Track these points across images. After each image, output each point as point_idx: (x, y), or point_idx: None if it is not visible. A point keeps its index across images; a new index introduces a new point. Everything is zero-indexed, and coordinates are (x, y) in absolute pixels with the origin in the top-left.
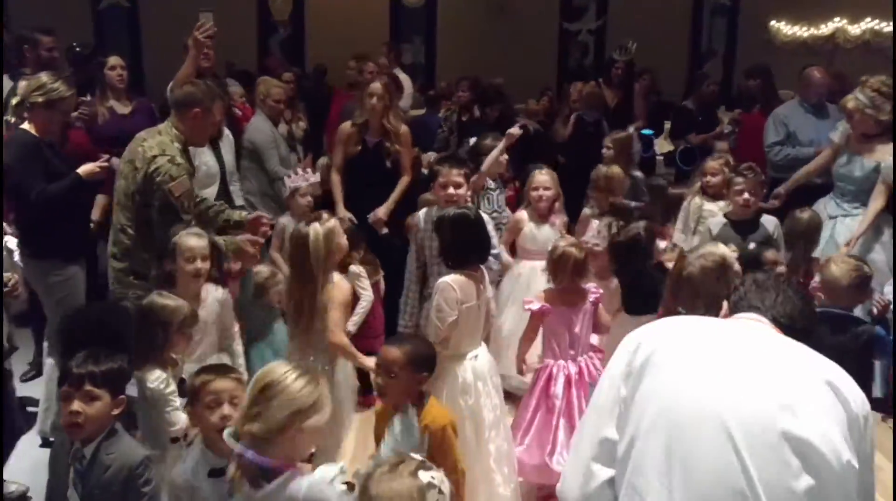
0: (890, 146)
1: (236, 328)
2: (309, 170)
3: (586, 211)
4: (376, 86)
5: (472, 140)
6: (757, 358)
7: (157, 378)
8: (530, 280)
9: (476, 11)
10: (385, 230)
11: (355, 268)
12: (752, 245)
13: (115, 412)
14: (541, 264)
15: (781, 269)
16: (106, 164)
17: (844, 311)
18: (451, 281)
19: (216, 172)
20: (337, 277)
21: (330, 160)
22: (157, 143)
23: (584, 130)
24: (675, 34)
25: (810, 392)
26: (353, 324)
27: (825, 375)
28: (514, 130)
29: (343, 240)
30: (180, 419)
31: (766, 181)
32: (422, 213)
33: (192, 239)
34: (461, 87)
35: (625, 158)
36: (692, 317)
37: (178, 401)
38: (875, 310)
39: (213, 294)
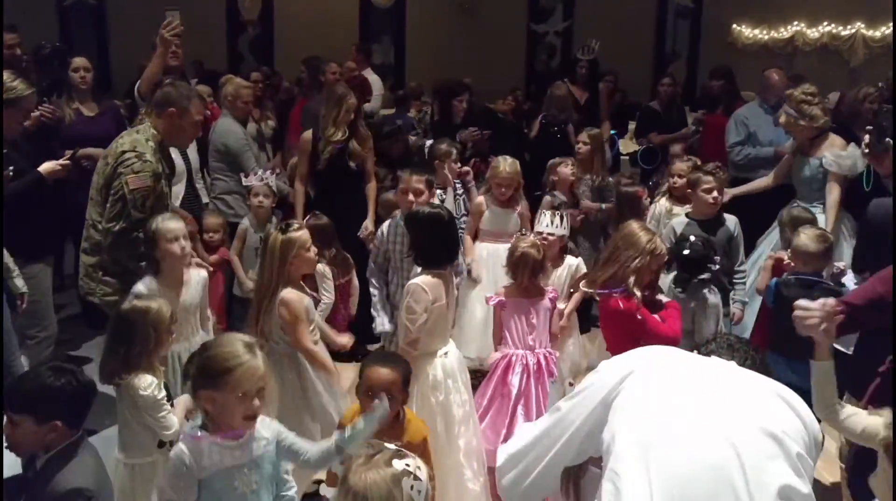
0: (830, 141)
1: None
2: (268, 171)
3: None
4: (352, 101)
5: (429, 143)
6: (726, 374)
7: (149, 385)
8: (494, 262)
9: (445, 12)
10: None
11: (321, 268)
12: (692, 238)
13: (51, 435)
14: (503, 245)
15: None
16: (68, 162)
17: (813, 276)
18: (422, 283)
19: (183, 170)
20: (289, 294)
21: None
22: (130, 140)
23: (549, 131)
24: (640, 36)
25: (773, 404)
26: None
27: (784, 394)
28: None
29: (309, 255)
30: (174, 422)
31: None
32: (386, 225)
33: (171, 222)
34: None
35: (600, 156)
36: (671, 348)
37: (169, 405)
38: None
39: (195, 277)
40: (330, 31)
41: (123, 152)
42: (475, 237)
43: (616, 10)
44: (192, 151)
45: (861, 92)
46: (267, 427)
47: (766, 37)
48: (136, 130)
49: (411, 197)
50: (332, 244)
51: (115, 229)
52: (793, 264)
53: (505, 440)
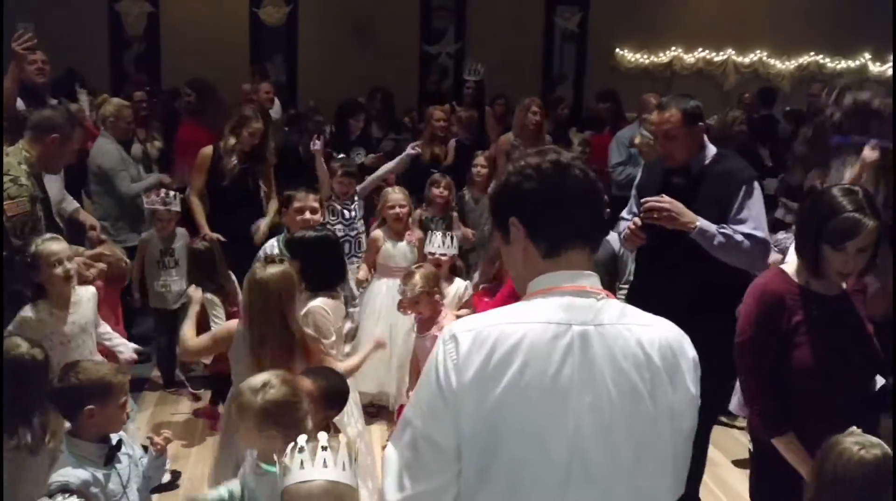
0: None
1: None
2: (171, 193)
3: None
4: (257, 126)
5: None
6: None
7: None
8: (394, 297)
9: (338, 32)
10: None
11: (209, 296)
12: None
13: None
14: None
15: None
16: None
17: None
18: (323, 305)
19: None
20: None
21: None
22: None
23: (464, 154)
24: (528, 58)
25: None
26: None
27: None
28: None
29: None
30: None
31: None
32: (269, 243)
33: (52, 244)
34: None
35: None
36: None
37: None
38: None
39: (84, 295)
40: (220, 48)
41: None
42: (372, 267)
43: (505, 33)
44: (56, 181)
45: (729, 115)
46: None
47: (647, 61)
48: (7, 152)
49: (308, 215)
50: (215, 273)
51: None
52: None
53: None
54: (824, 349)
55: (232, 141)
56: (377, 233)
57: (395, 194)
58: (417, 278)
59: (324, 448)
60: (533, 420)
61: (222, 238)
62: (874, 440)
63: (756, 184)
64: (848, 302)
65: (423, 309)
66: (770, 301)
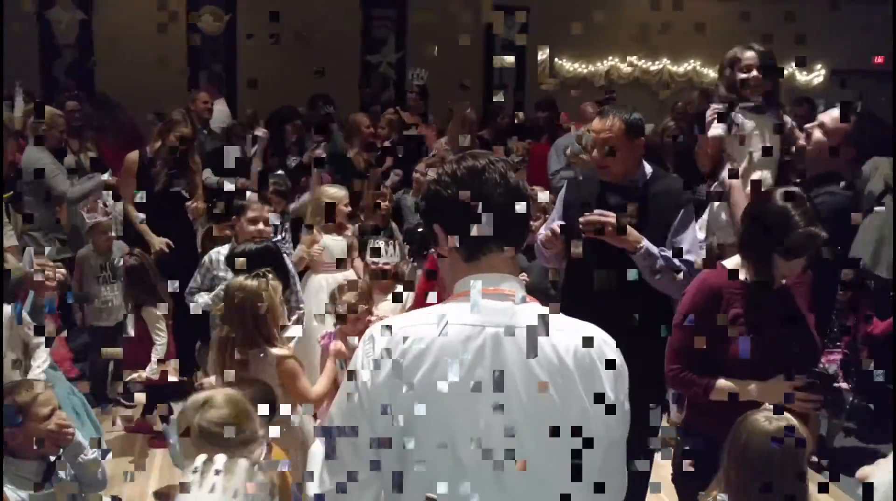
0: None
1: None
2: (110, 202)
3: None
4: (185, 130)
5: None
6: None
7: None
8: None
9: (278, 40)
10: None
11: (154, 310)
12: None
13: None
14: (341, 274)
15: None
16: None
17: None
18: None
19: None
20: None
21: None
22: None
23: (404, 157)
24: (469, 68)
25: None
26: (150, 371)
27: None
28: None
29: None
30: None
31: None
32: (214, 252)
33: None
34: None
35: None
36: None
37: None
38: None
39: None
40: (155, 57)
41: None
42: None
43: (446, 42)
44: None
45: (661, 126)
46: None
47: (585, 70)
48: None
49: (261, 225)
50: (151, 286)
51: None
52: None
53: None
54: (763, 340)
55: (158, 145)
56: (314, 231)
57: (337, 191)
58: (350, 297)
59: (217, 472)
60: (442, 421)
61: (171, 244)
62: (784, 415)
63: (692, 205)
64: (788, 294)
65: (362, 327)
66: (707, 293)
